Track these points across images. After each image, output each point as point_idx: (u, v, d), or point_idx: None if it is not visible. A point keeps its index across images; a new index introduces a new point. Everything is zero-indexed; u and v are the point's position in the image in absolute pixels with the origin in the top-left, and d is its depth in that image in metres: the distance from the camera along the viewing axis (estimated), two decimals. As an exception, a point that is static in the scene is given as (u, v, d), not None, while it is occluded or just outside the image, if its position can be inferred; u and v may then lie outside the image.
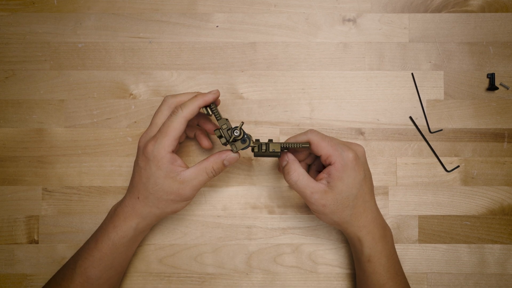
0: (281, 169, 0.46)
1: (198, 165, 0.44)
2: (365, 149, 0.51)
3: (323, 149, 0.44)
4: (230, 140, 0.44)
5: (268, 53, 0.52)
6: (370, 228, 0.45)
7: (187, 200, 0.45)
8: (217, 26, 0.52)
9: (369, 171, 0.46)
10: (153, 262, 0.51)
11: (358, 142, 0.52)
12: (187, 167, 0.44)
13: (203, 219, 0.51)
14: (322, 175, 0.45)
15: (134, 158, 0.51)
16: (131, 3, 0.52)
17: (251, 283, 0.51)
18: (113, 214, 0.46)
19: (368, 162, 0.51)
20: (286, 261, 0.51)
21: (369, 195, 0.45)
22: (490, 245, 0.51)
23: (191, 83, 0.52)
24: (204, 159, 0.45)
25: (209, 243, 0.51)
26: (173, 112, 0.44)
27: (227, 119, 0.45)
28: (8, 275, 0.51)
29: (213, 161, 0.45)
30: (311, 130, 0.46)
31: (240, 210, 0.51)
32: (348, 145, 0.45)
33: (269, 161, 0.52)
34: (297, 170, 0.44)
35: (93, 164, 0.51)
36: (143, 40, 0.52)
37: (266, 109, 0.52)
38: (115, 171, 0.51)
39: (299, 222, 0.51)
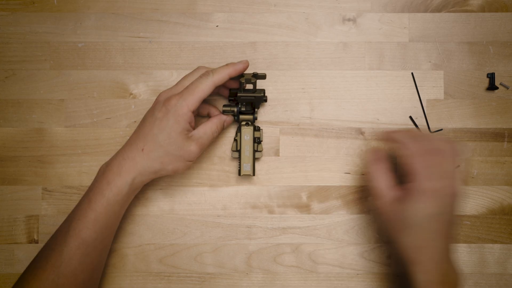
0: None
1: (204, 125, 0.47)
2: (365, 149, 0.51)
3: (413, 164, 0.42)
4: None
5: (268, 52, 0.52)
6: (427, 266, 0.41)
7: (190, 161, 0.46)
8: (217, 26, 0.52)
9: (453, 215, 0.42)
10: (153, 262, 0.51)
11: (358, 142, 0.52)
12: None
13: (203, 219, 0.51)
14: (400, 187, 0.43)
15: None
16: (131, 3, 0.52)
17: (251, 283, 0.51)
18: (106, 169, 0.44)
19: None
20: (286, 261, 0.51)
21: (438, 234, 0.41)
22: (490, 245, 0.51)
23: (191, 83, 0.52)
24: (207, 120, 0.48)
25: (209, 243, 0.51)
26: (204, 75, 0.45)
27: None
28: (8, 275, 0.51)
29: (216, 122, 0.48)
30: (423, 137, 0.42)
31: (240, 210, 0.51)
32: (445, 177, 0.41)
33: (269, 161, 0.52)
34: (377, 165, 0.45)
35: (93, 164, 0.51)
36: (143, 40, 0.52)
37: (266, 109, 0.52)
38: (115, 171, 0.51)
39: (299, 222, 0.51)
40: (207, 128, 0.47)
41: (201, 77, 0.45)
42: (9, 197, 0.51)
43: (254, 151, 0.49)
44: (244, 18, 0.52)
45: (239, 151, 0.49)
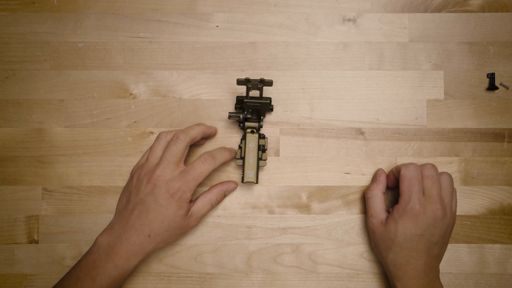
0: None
1: (203, 197, 0.48)
2: (365, 149, 0.51)
3: (401, 186, 0.46)
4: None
5: (268, 53, 0.52)
6: (408, 283, 0.45)
7: (190, 230, 0.50)
8: (217, 26, 0.52)
9: (436, 237, 0.45)
10: (153, 262, 0.51)
11: (358, 142, 0.52)
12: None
13: (203, 219, 0.51)
14: (390, 209, 0.47)
15: (134, 158, 0.51)
16: (131, 3, 0.52)
17: (251, 283, 0.51)
18: (111, 252, 0.44)
19: (368, 162, 0.51)
20: (286, 261, 0.51)
21: (418, 253, 0.45)
22: (490, 245, 0.51)
23: (191, 83, 0.52)
24: (207, 190, 0.49)
25: (209, 243, 0.51)
26: (207, 159, 0.46)
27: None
28: (8, 275, 0.51)
29: (217, 193, 0.49)
30: (414, 164, 0.46)
31: (240, 210, 0.51)
32: (428, 201, 0.45)
33: (269, 161, 0.52)
34: (375, 189, 0.48)
35: (93, 164, 0.51)
36: (143, 40, 0.52)
37: (266, 109, 0.52)
38: (115, 171, 0.51)
39: (299, 222, 0.51)
40: (207, 200, 0.48)
41: (204, 161, 0.46)
42: (9, 197, 0.51)
43: (258, 159, 0.48)
44: (244, 18, 0.52)
45: (243, 158, 0.48)
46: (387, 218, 0.46)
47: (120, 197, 0.48)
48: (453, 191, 0.47)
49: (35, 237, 0.51)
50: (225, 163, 0.51)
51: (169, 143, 0.46)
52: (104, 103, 0.52)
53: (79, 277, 0.44)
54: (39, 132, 0.52)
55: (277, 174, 0.52)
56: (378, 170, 0.50)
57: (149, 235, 0.45)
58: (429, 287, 0.45)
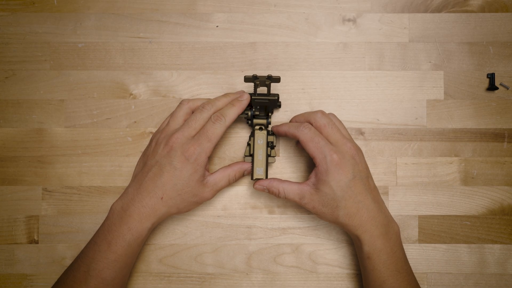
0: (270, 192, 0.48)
1: (222, 171, 0.48)
2: (365, 149, 0.51)
3: (309, 149, 0.45)
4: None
5: (268, 53, 0.52)
6: (367, 227, 0.45)
7: (204, 202, 0.48)
8: (217, 26, 0.52)
9: (364, 171, 0.46)
10: (153, 262, 0.51)
11: (358, 142, 0.52)
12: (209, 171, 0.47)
13: (203, 219, 0.51)
14: (311, 175, 0.46)
15: (134, 158, 0.51)
16: (131, 3, 0.52)
17: (251, 283, 0.51)
18: (124, 214, 0.45)
19: (368, 162, 0.51)
20: (286, 261, 0.51)
21: (362, 195, 0.45)
22: (490, 245, 0.51)
23: (191, 83, 0.52)
24: (228, 165, 0.48)
25: (209, 243, 0.51)
26: (217, 119, 0.46)
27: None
28: (8, 275, 0.51)
29: (237, 170, 0.48)
30: (305, 125, 0.46)
31: (240, 210, 0.51)
32: (339, 146, 0.45)
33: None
34: (278, 186, 0.47)
35: (93, 164, 0.51)
36: (143, 40, 0.52)
37: (266, 109, 0.52)
38: (115, 171, 0.51)
39: (299, 222, 0.51)
40: (225, 174, 0.48)
41: (215, 121, 0.46)
42: (9, 197, 0.51)
43: (267, 155, 0.48)
44: (244, 18, 0.52)
45: (252, 155, 0.48)
46: (314, 185, 0.45)
47: (137, 162, 0.48)
48: (340, 123, 0.48)
49: (35, 237, 0.51)
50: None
51: (206, 120, 0.46)
52: (104, 103, 0.52)
53: (96, 242, 0.45)
54: (39, 132, 0.52)
55: (278, 174, 0.52)
56: (256, 186, 0.48)
57: (162, 198, 0.45)
58: (389, 221, 0.46)
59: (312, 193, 0.45)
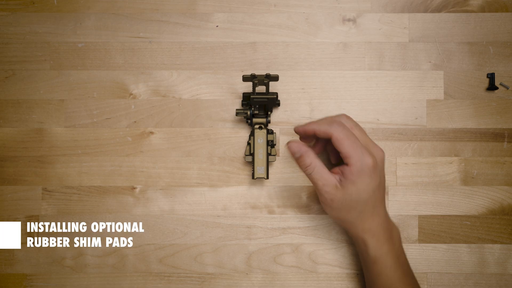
0: (294, 158, 0.46)
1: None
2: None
3: (343, 148, 0.43)
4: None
5: (268, 53, 0.52)
6: (376, 231, 0.45)
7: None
8: (217, 26, 0.52)
9: (384, 177, 0.46)
10: (153, 262, 0.51)
11: (358, 142, 0.51)
12: None
13: (203, 219, 0.51)
14: (338, 170, 0.44)
15: (134, 158, 0.51)
16: (131, 3, 0.52)
17: (251, 283, 0.51)
18: None
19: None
20: (286, 261, 0.51)
21: (380, 201, 0.45)
22: (490, 245, 0.51)
23: (191, 83, 0.52)
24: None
25: (209, 243, 0.51)
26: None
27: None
28: (8, 275, 0.51)
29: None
30: (338, 122, 0.44)
31: (240, 210, 0.51)
32: (370, 149, 0.44)
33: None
34: (312, 162, 0.44)
35: (93, 164, 0.51)
36: (143, 40, 0.52)
37: (266, 109, 0.52)
38: (115, 171, 0.51)
39: (299, 222, 0.51)
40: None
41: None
42: (9, 197, 0.51)
43: (268, 154, 0.48)
44: (244, 18, 0.52)
45: (252, 154, 0.48)
46: (339, 181, 0.44)
47: None
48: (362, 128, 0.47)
49: (35, 237, 0.51)
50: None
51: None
52: (104, 103, 0.52)
53: None
54: (39, 132, 0.52)
55: (277, 174, 0.52)
56: (292, 144, 0.45)
57: None
58: (391, 225, 0.46)
59: (337, 187, 0.43)
